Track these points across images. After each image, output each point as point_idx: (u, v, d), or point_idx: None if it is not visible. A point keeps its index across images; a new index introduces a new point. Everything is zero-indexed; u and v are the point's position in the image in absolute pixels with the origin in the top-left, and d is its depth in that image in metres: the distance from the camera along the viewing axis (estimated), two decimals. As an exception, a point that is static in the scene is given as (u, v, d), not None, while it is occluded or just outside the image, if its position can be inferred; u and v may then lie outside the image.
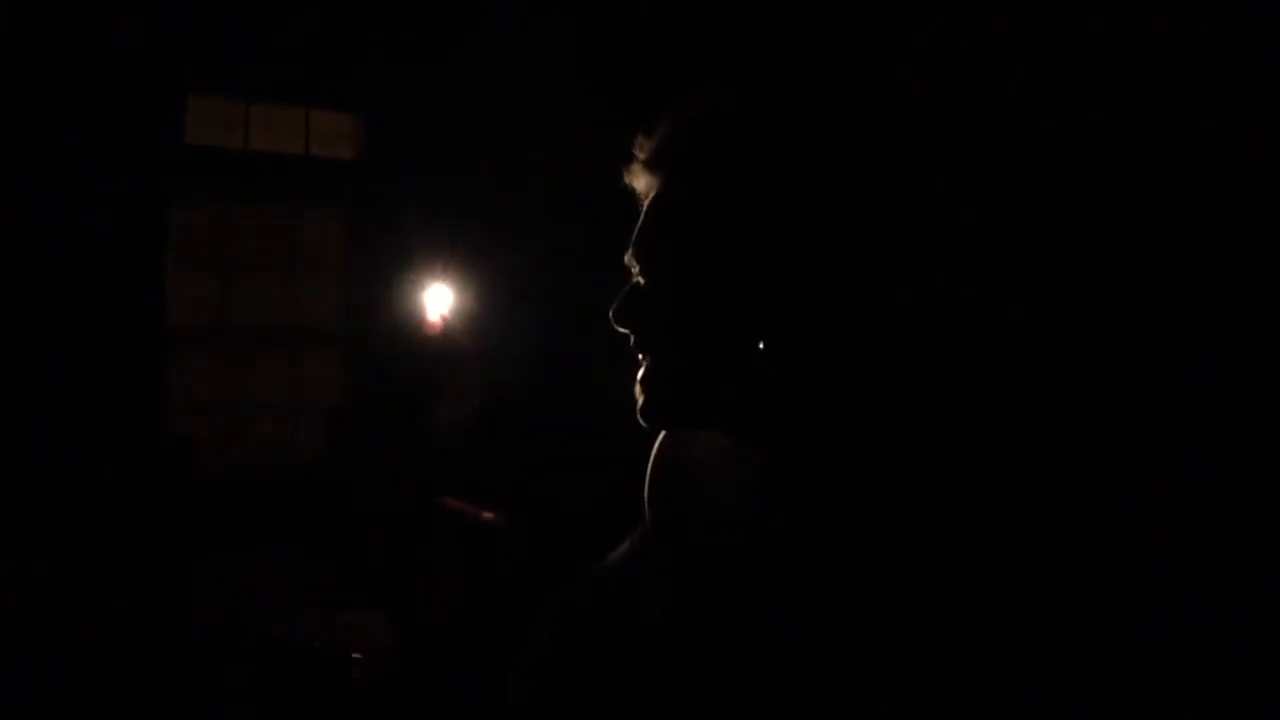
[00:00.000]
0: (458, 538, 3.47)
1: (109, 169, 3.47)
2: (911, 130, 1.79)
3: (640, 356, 1.06)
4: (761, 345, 1.00)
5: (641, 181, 1.07)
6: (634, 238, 1.06)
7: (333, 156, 4.11)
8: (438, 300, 3.71)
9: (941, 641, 0.92)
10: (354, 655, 3.28)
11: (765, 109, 1.04)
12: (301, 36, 3.82)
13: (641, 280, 1.06)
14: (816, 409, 1.01)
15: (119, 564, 3.58)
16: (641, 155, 1.06)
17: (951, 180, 1.76)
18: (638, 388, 1.05)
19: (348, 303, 4.18)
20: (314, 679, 3.29)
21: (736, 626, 0.96)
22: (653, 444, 1.09)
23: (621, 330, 1.06)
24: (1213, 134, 1.67)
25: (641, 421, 1.06)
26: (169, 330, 3.67)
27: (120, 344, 3.52)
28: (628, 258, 1.07)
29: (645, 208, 1.06)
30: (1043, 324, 1.68)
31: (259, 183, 3.99)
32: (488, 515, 3.41)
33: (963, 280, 1.70)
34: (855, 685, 0.91)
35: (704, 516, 1.04)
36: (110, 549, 3.57)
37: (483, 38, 3.86)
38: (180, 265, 3.74)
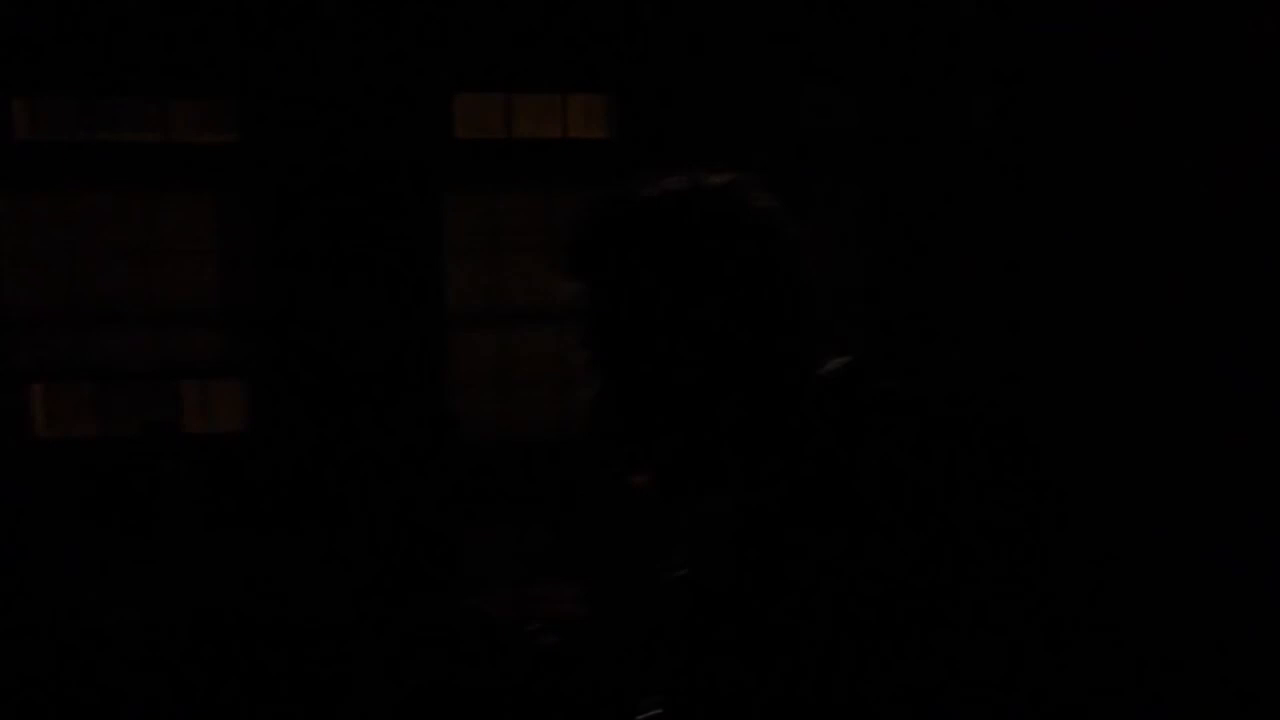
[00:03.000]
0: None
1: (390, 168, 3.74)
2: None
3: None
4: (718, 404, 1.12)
5: (574, 285, 1.17)
6: (578, 338, 1.18)
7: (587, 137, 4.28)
8: None
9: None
10: (535, 626, 3.38)
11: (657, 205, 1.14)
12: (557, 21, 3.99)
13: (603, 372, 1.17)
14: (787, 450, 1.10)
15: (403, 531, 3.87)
16: (565, 264, 1.18)
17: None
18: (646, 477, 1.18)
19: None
20: (499, 650, 3.44)
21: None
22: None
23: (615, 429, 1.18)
24: None
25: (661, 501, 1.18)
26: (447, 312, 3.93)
27: (407, 326, 3.81)
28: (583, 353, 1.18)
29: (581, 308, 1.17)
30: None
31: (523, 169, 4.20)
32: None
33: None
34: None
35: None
36: (398, 518, 3.87)
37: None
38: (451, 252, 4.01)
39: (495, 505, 4.18)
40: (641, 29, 4.02)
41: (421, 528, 3.96)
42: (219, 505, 3.81)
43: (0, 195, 3.84)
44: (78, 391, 4.13)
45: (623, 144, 4.21)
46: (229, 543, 3.78)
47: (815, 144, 4.17)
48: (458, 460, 4.04)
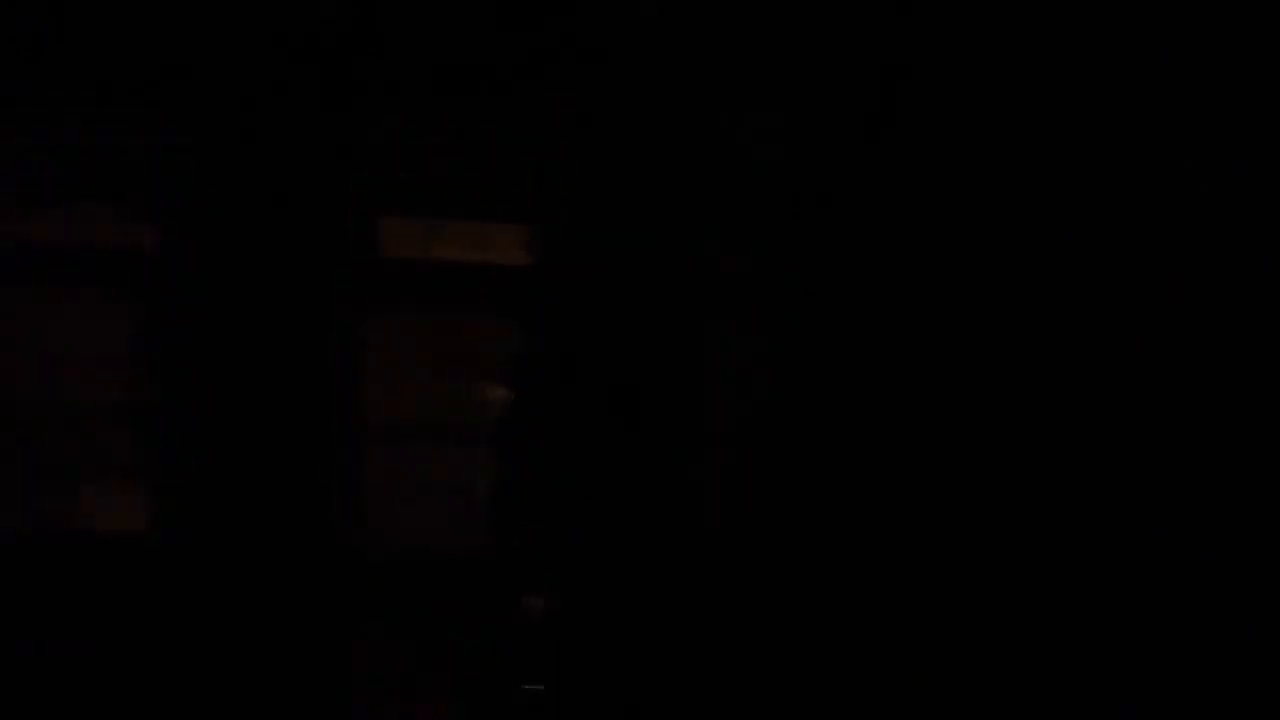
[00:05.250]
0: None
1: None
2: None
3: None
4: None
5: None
6: None
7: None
8: None
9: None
10: None
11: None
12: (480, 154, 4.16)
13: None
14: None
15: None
16: None
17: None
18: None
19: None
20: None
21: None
22: None
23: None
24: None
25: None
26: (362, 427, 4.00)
27: (321, 439, 3.86)
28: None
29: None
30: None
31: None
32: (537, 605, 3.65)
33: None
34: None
35: None
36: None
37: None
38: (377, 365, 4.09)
39: (393, 620, 4.21)
40: (564, 163, 4.23)
41: (315, 641, 3.96)
42: (113, 609, 3.76)
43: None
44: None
45: (544, 271, 4.38)
46: (122, 647, 3.73)
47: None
48: (361, 575, 4.07)
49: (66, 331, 3.96)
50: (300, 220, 3.90)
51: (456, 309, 4.36)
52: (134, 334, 3.99)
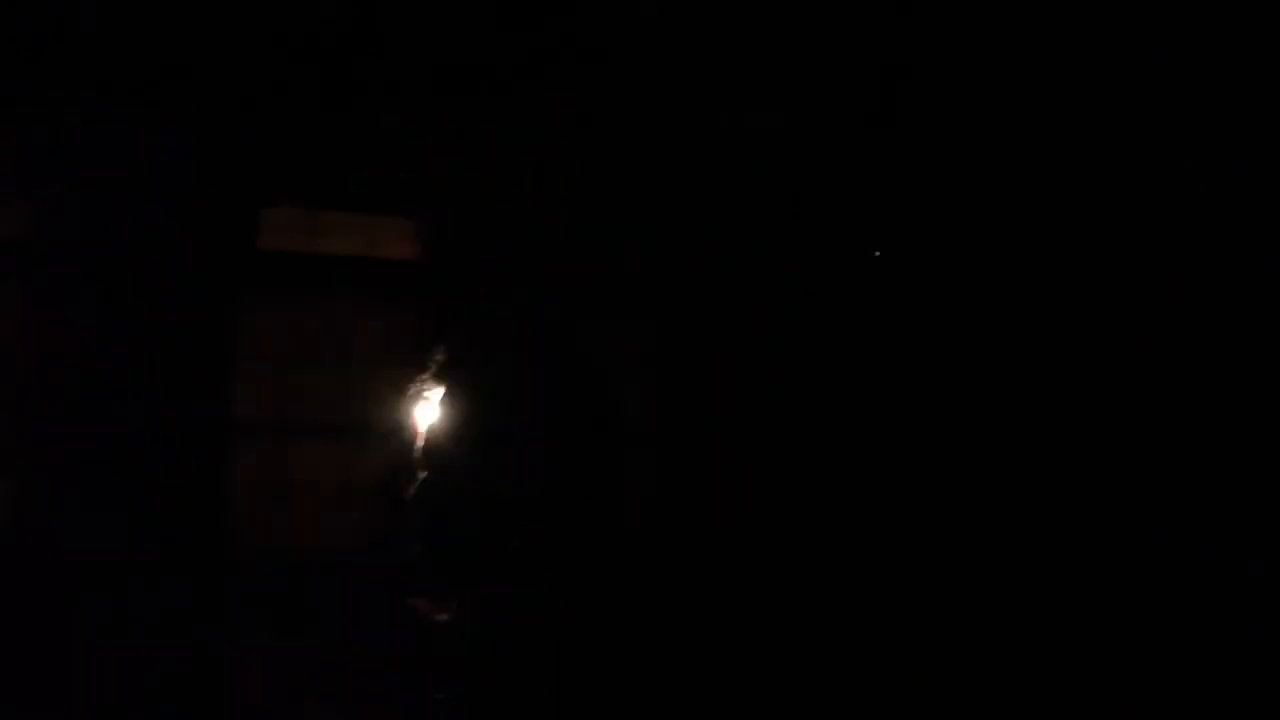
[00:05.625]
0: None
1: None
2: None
3: None
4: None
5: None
6: None
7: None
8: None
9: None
10: None
11: None
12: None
13: None
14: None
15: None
16: None
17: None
18: None
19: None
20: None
21: None
22: None
23: None
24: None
25: None
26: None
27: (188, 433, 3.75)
28: None
29: None
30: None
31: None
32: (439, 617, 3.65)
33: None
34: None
35: None
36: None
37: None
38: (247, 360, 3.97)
39: (268, 620, 4.10)
40: (452, 158, 4.14)
41: (189, 641, 3.85)
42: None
43: None
44: None
45: (431, 265, 4.29)
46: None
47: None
48: (232, 573, 3.96)
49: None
50: (172, 208, 3.78)
51: (340, 303, 4.25)
52: None
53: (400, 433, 4.39)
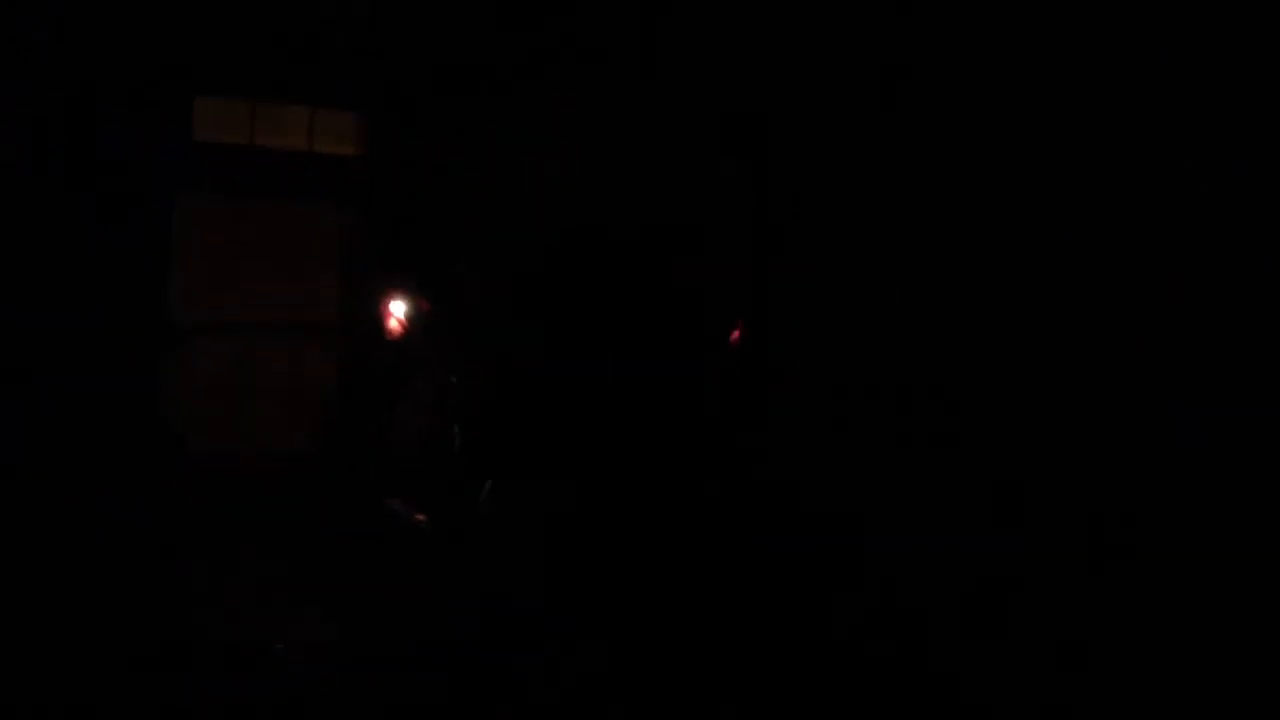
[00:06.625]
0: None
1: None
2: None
3: None
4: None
5: None
6: None
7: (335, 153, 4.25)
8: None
9: None
10: (282, 647, 3.35)
11: None
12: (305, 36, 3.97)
13: None
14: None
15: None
16: None
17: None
18: None
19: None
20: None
21: None
22: None
23: None
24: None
25: None
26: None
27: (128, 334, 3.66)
28: None
29: None
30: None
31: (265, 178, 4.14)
32: (420, 517, 3.71)
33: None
34: None
35: None
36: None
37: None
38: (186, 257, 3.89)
39: (222, 522, 4.04)
40: (393, 52, 4.06)
41: (145, 547, 3.80)
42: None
43: None
44: None
45: (371, 160, 4.21)
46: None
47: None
48: (183, 475, 3.90)
49: None
50: (103, 97, 3.67)
51: (281, 198, 4.17)
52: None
53: (354, 331, 4.33)
